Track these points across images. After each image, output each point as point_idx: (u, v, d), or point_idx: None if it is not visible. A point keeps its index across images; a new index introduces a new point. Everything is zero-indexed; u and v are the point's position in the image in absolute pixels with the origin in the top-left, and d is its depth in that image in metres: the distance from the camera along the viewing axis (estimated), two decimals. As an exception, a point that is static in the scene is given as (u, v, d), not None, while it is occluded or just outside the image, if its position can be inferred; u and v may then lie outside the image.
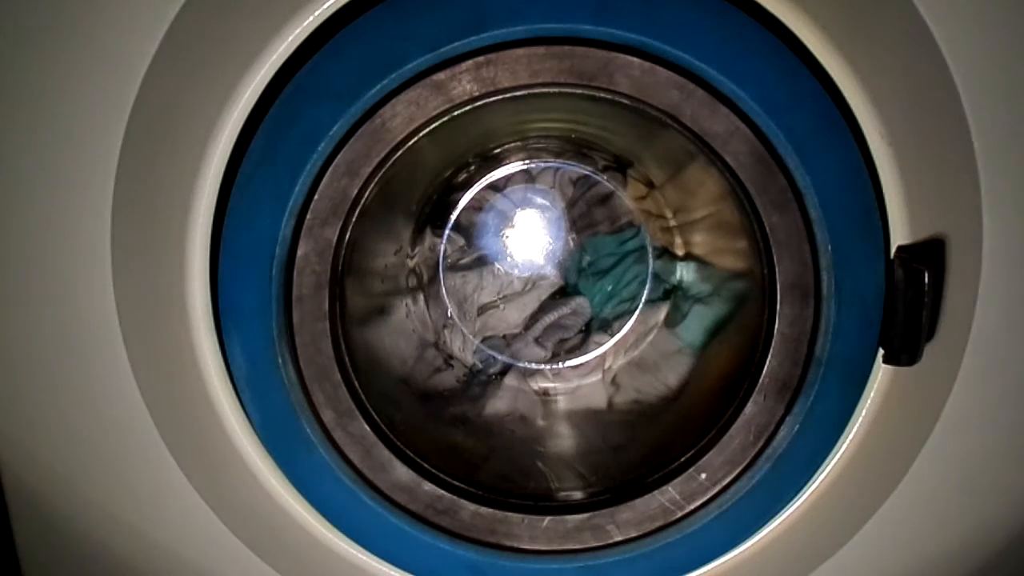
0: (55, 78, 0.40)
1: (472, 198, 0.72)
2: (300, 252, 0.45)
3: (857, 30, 0.44)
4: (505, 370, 0.72)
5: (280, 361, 0.46)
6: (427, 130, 0.44)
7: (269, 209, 0.44)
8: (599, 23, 0.43)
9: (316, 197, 0.44)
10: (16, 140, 0.41)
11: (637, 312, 0.71)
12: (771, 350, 0.46)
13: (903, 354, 0.44)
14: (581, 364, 0.72)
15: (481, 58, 0.43)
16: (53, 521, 0.47)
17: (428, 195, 0.70)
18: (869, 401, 0.48)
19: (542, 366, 0.72)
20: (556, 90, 0.44)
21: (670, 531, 0.48)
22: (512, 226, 0.72)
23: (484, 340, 0.73)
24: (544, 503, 0.50)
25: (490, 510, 0.48)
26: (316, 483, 0.48)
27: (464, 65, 0.43)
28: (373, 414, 0.48)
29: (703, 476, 0.48)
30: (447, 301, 0.72)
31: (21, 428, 0.45)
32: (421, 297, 0.72)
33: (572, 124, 0.66)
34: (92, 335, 0.43)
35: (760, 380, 0.46)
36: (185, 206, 0.46)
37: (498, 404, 0.68)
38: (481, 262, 0.73)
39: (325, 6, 0.44)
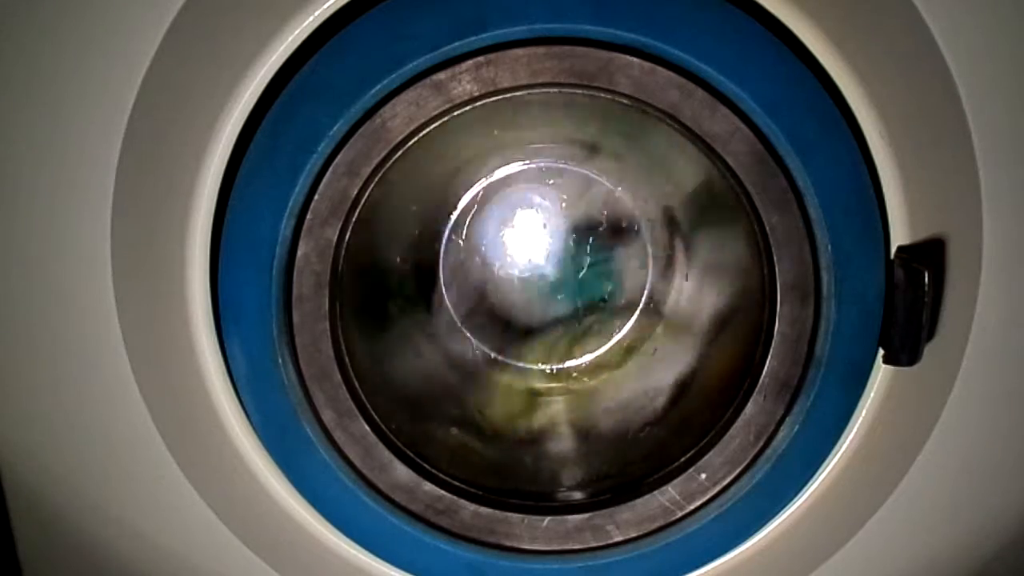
0: (55, 78, 0.40)
1: (471, 198, 0.72)
2: (300, 252, 0.45)
3: (857, 30, 0.44)
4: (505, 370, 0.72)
5: (280, 361, 0.46)
6: (427, 130, 0.44)
7: (269, 209, 0.44)
8: (599, 23, 0.43)
9: (316, 197, 0.44)
10: (16, 140, 0.41)
11: (636, 314, 0.71)
12: (771, 350, 0.46)
13: (903, 354, 0.44)
14: (581, 364, 0.72)
15: (481, 58, 0.43)
16: (53, 521, 0.47)
17: (426, 196, 0.70)
18: (869, 401, 0.48)
19: (542, 366, 0.72)
20: (556, 90, 0.44)
21: (670, 531, 0.48)
22: (512, 226, 0.72)
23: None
24: (544, 503, 0.50)
25: (490, 510, 0.48)
26: (316, 483, 0.48)
27: (464, 65, 0.43)
28: (373, 414, 0.48)
29: (703, 476, 0.48)
30: (447, 301, 0.72)
31: (21, 428, 0.45)
32: (420, 298, 0.72)
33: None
34: (92, 335, 0.43)
35: (760, 380, 0.46)
36: (185, 206, 0.46)
37: (498, 403, 0.68)
38: (480, 263, 0.73)
39: (325, 6, 0.44)
